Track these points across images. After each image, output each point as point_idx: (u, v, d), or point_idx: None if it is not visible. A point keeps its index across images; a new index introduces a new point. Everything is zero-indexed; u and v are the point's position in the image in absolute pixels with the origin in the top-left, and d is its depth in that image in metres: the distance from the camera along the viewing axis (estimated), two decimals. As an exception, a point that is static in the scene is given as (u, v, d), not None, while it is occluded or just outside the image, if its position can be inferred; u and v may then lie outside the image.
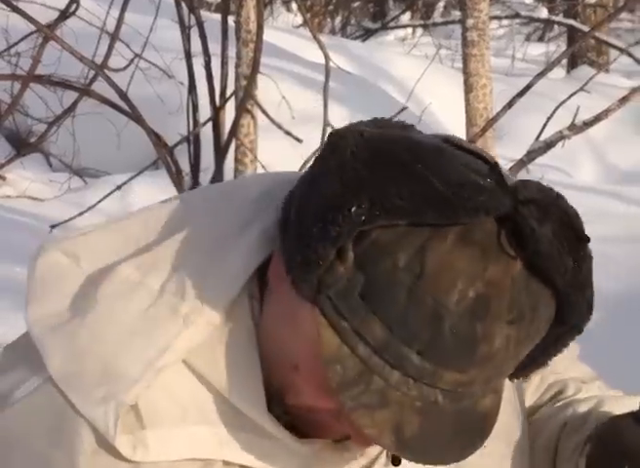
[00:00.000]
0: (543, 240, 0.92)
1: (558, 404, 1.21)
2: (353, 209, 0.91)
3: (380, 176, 0.92)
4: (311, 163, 0.98)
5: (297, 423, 1.01)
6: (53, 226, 4.95)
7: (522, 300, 0.93)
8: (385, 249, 0.91)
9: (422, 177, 0.92)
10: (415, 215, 0.90)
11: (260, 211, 1.02)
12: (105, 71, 4.63)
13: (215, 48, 4.72)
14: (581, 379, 1.25)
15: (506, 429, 1.13)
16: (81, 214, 4.97)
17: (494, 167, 0.95)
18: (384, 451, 1.05)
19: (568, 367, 1.26)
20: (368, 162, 0.93)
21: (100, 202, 5.05)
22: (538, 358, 0.99)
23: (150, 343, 0.97)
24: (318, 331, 0.93)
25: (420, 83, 6.38)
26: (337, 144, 0.95)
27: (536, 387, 1.24)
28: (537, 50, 12.24)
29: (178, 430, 0.97)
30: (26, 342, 1.01)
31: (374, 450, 1.05)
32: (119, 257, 1.01)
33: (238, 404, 0.98)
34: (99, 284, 1.00)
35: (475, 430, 0.96)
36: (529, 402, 1.22)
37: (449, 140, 0.98)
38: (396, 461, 1.04)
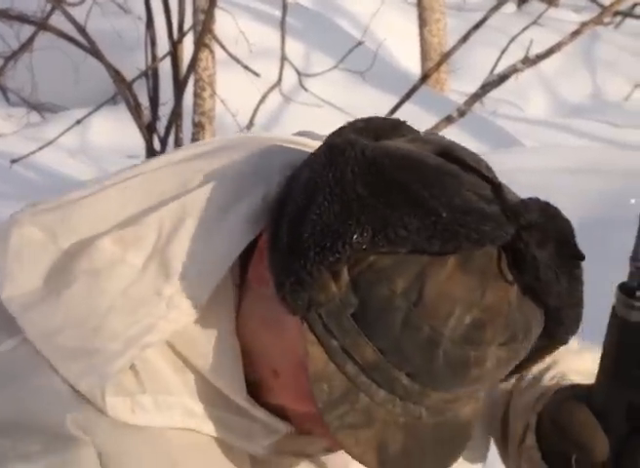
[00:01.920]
0: (542, 265, 0.91)
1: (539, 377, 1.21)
2: (355, 237, 0.88)
3: (382, 203, 0.90)
4: (306, 164, 0.94)
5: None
6: (13, 161, 4.97)
7: (516, 322, 0.92)
8: (382, 273, 0.90)
9: (427, 205, 0.89)
10: (418, 245, 0.89)
11: (245, 190, 0.98)
12: (63, 6, 4.63)
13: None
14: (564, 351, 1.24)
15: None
16: (41, 148, 5.00)
17: (497, 189, 0.93)
18: None
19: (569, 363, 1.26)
20: (370, 185, 0.90)
21: (59, 136, 5.07)
22: (519, 366, 0.98)
23: (133, 322, 0.94)
24: (305, 348, 0.92)
25: (375, 18, 6.43)
26: (336, 160, 0.91)
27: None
28: (488, -16, 12.24)
29: (174, 399, 0.96)
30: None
31: None
32: (98, 231, 0.97)
33: (218, 384, 0.97)
34: (76, 259, 0.96)
35: (456, 439, 0.96)
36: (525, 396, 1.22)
37: (449, 154, 0.95)
38: None
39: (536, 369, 1.17)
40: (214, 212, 0.97)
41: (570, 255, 0.94)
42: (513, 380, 1.21)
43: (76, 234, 0.97)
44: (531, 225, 0.91)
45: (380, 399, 0.92)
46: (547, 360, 1.18)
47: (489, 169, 0.96)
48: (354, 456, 0.93)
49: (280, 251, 0.92)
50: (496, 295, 0.91)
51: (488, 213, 0.90)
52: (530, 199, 0.94)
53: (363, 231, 0.88)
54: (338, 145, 0.92)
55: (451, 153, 0.95)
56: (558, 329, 0.96)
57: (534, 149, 5.74)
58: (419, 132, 0.99)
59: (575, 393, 1.09)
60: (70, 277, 0.95)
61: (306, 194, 0.92)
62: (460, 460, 1.06)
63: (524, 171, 4.94)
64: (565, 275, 0.94)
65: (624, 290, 1.04)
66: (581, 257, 0.95)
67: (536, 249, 0.91)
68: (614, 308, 1.05)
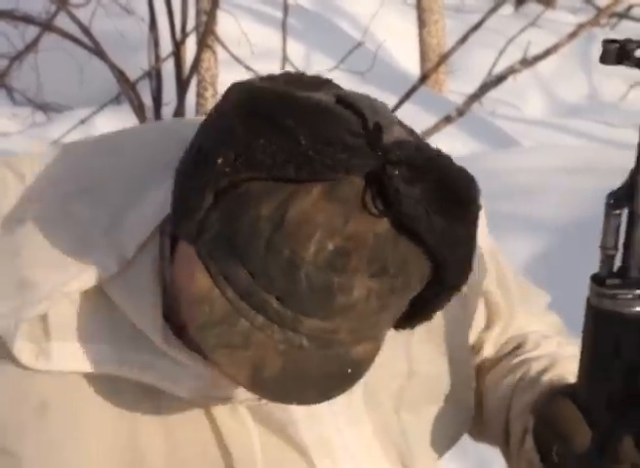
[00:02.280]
0: (408, 201, 0.93)
1: (515, 360, 1.25)
2: (219, 160, 0.94)
3: (249, 131, 0.94)
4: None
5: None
6: (18, 160, 5.01)
7: (386, 256, 0.94)
8: (251, 199, 0.94)
9: (289, 133, 0.93)
10: (275, 170, 0.93)
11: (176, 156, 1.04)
12: (67, 7, 4.68)
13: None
14: (543, 334, 1.28)
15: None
16: (45, 147, 5.03)
17: (375, 128, 0.94)
18: None
19: (531, 320, 1.29)
20: (244, 117, 0.95)
21: (63, 136, 5.11)
22: (420, 311, 1.00)
23: (64, 268, 1.02)
24: (193, 272, 0.96)
25: (374, 19, 6.47)
26: (226, 97, 0.98)
27: (496, 338, 1.26)
28: (486, -15, 12.28)
29: (81, 345, 1.02)
30: None
31: None
32: (57, 182, 1.06)
33: (142, 327, 1.02)
34: (34, 205, 1.05)
35: (345, 375, 0.98)
36: (488, 352, 1.26)
37: (343, 100, 0.97)
38: None
39: (534, 371, 1.20)
40: (150, 172, 1.05)
41: (449, 198, 0.95)
42: (498, 330, 1.24)
43: (41, 179, 1.06)
44: (400, 161, 0.93)
45: (258, 324, 0.95)
46: (544, 362, 1.22)
47: (387, 117, 0.97)
48: (228, 375, 0.96)
49: (175, 180, 0.99)
50: (359, 226, 0.93)
51: (350, 144, 0.93)
52: (409, 141, 0.95)
53: (227, 156, 0.94)
54: (233, 85, 0.98)
55: (346, 98, 0.96)
56: (444, 272, 0.97)
57: (531, 149, 5.78)
58: (343, 90, 1.00)
59: (562, 389, 1.11)
60: (24, 220, 1.03)
61: (198, 131, 0.99)
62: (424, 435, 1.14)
63: (522, 170, 4.98)
64: (441, 214, 0.94)
65: (596, 279, 1.05)
66: (465, 200, 0.96)
67: (402, 184, 0.93)
68: (588, 299, 1.06)
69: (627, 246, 1.05)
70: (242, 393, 1.04)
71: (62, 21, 4.71)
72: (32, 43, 5.13)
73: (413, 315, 1.01)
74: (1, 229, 1.04)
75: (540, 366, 1.21)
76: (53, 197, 1.05)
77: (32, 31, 5.19)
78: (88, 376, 1.03)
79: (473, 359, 1.24)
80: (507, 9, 8.82)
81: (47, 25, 4.81)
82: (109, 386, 1.04)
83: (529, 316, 1.29)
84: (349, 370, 0.98)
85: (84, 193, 1.05)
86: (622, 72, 7.87)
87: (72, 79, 6.05)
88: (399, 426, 1.15)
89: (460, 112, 4.45)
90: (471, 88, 4.89)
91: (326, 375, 0.97)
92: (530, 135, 6.45)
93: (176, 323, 1.02)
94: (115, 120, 5.60)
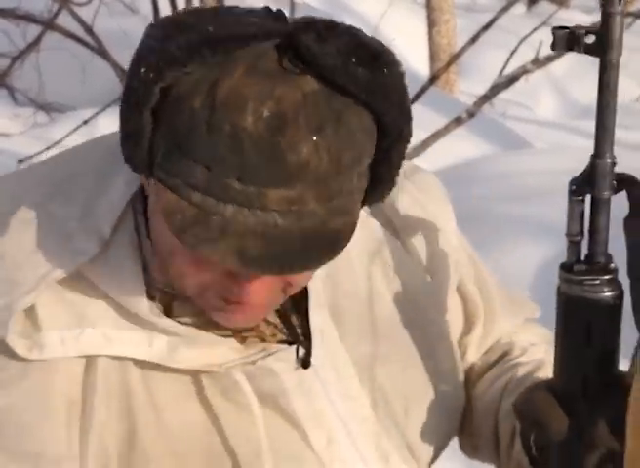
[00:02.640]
0: (325, 56, 1.01)
1: (502, 366, 1.27)
2: (142, 70, 1.02)
3: (164, 38, 1.02)
4: None
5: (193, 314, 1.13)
6: (20, 161, 4.96)
7: (322, 112, 1.01)
8: (183, 98, 1.02)
9: (199, 28, 1.02)
10: (192, 58, 1.01)
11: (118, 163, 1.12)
12: (70, 6, 4.62)
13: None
14: (531, 341, 1.30)
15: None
16: (48, 148, 4.98)
17: (279, 11, 1.05)
18: (295, 351, 1.15)
19: (517, 329, 1.33)
20: (163, 30, 1.04)
21: (66, 137, 5.05)
22: (382, 174, 1.07)
23: (46, 259, 1.09)
24: (158, 196, 1.05)
25: (384, 18, 6.41)
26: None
27: (478, 342, 1.29)
28: (498, -15, 12.22)
29: (70, 331, 1.09)
30: None
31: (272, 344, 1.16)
32: (31, 188, 1.14)
33: (124, 303, 1.10)
34: (13, 213, 1.12)
35: (325, 245, 1.04)
36: (473, 356, 1.29)
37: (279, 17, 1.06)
38: (307, 364, 1.15)
39: (521, 374, 1.23)
40: (115, 163, 1.11)
41: (367, 53, 1.03)
42: (480, 331, 1.28)
43: (13, 194, 1.14)
44: (306, 25, 1.03)
45: (229, 214, 1.01)
46: (531, 366, 1.25)
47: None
48: (217, 261, 1.03)
49: (121, 127, 1.06)
50: (287, 88, 1.01)
51: (256, 21, 1.03)
52: (313, 16, 1.05)
53: (148, 64, 1.02)
54: None
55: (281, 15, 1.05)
56: (385, 121, 1.04)
57: (543, 151, 5.71)
58: None
59: (540, 382, 1.13)
60: (5, 226, 1.11)
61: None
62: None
63: (534, 172, 4.91)
64: (362, 66, 1.02)
65: (564, 266, 1.08)
66: (382, 53, 1.04)
67: (314, 43, 1.01)
68: (558, 287, 1.08)
69: (592, 232, 1.07)
70: (233, 354, 1.12)
71: (65, 20, 4.66)
72: (34, 42, 5.08)
73: (377, 184, 1.07)
74: None
75: (527, 369, 1.25)
76: (29, 201, 1.13)
77: (34, 30, 5.14)
78: (81, 360, 1.10)
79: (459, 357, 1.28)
80: (519, 8, 8.74)
81: (49, 24, 4.76)
82: (104, 366, 1.10)
83: (514, 324, 1.33)
84: (329, 241, 1.04)
85: (57, 194, 1.13)
86: (637, 73, 7.79)
87: (75, 79, 6.00)
88: (399, 401, 1.19)
89: (471, 113, 4.36)
90: (482, 88, 4.81)
91: (308, 247, 1.03)
92: (542, 136, 6.38)
93: (165, 287, 1.11)
94: (118, 120, 5.53)
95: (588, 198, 1.09)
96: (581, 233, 1.08)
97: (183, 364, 1.11)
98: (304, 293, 1.16)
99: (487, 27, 4.24)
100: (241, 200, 1.01)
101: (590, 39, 1.07)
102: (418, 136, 4.03)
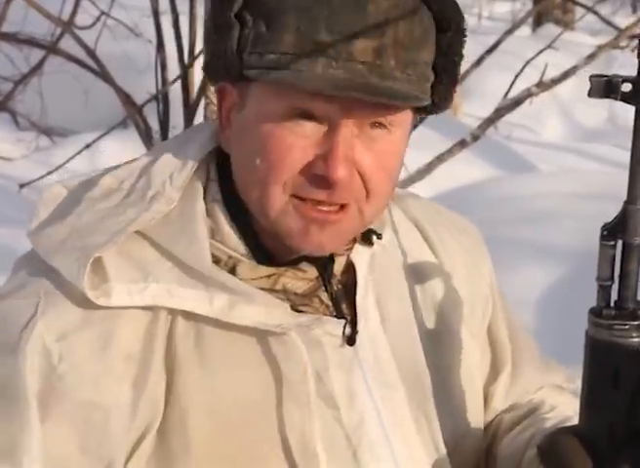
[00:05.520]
0: None
1: (530, 421, 1.31)
2: None
3: None
4: None
5: (265, 241, 1.22)
6: (22, 185, 4.94)
7: None
8: None
9: None
10: None
11: (207, 127, 1.28)
12: (72, 29, 4.60)
13: (183, 5, 4.70)
14: (560, 402, 1.35)
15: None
16: (50, 172, 4.96)
17: None
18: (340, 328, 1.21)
19: (550, 390, 1.38)
20: None
21: (68, 161, 5.03)
22: (446, 68, 1.19)
23: (120, 220, 1.19)
24: (249, 97, 1.18)
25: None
26: None
27: (505, 389, 1.34)
28: (503, 8, 12.26)
29: (138, 285, 1.16)
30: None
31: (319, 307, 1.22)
32: (101, 173, 1.25)
33: (188, 261, 1.17)
34: (81, 192, 1.23)
35: (405, 105, 1.17)
36: (500, 404, 1.34)
37: None
38: (352, 342, 1.20)
39: (548, 425, 1.25)
40: (175, 146, 1.26)
41: None
42: (506, 381, 1.33)
43: (84, 176, 1.26)
44: None
45: (321, 68, 1.12)
46: (559, 419, 1.27)
47: None
48: (315, 89, 1.13)
49: (207, 57, 1.20)
50: None
51: None
52: None
53: None
54: None
55: None
56: (445, 15, 1.17)
57: (549, 174, 5.69)
58: None
59: (565, 427, 1.14)
60: (76, 203, 1.21)
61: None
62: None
63: (539, 196, 4.89)
64: None
65: (593, 311, 1.09)
66: None
67: None
68: (586, 331, 1.09)
69: (622, 277, 1.08)
70: (291, 318, 1.18)
71: (67, 44, 4.63)
72: (37, 66, 5.07)
73: (444, 80, 1.19)
74: (52, 218, 1.22)
75: (554, 422, 1.26)
76: (100, 182, 1.24)
77: (37, 54, 5.12)
78: (146, 312, 1.17)
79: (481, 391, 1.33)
80: (525, 30, 8.75)
81: (52, 48, 4.74)
82: (168, 321, 1.17)
83: (542, 380, 1.36)
84: (395, 99, 1.15)
85: (128, 176, 1.24)
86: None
87: (77, 103, 6.00)
88: (431, 400, 1.24)
89: (476, 136, 4.33)
90: (487, 111, 4.77)
91: (392, 99, 1.14)
92: (547, 159, 6.35)
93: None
94: (121, 144, 5.53)
95: (619, 244, 1.10)
96: (612, 278, 1.09)
97: (242, 321, 1.16)
98: (354, 283, 1.24)
99: (491, 50, 4.21)
100: (330, 52, 1.12)
101: (627, 87, 1.09)
102: (421, 159, 4.01)
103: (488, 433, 1.34)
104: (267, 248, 1.22)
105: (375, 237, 1.27)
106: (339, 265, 1.25)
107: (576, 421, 1.16)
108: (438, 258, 1.32)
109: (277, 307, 1.19)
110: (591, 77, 1.10)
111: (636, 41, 1.10)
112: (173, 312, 1.17)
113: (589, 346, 1.08)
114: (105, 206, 1.21)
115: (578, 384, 1.28)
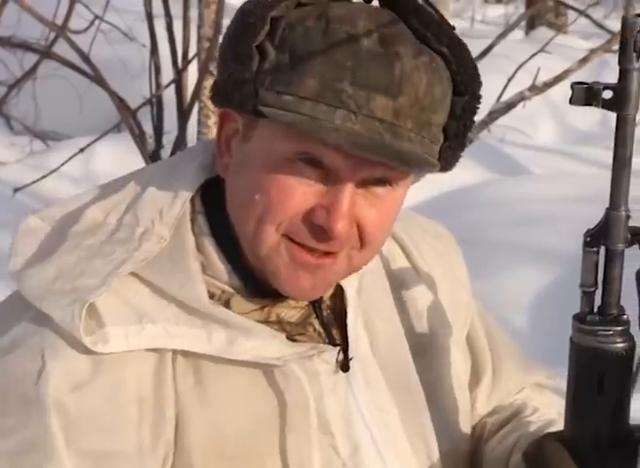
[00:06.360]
0: (419, 9, 1.15)
1: (514, 424, 1.31)
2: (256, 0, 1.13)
3: None
4: None
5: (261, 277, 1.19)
6: (16, 189, 4.94)
7: (420, 47, 1.14)
8: (294, 23, 1.13)
9: None
10: None
11: (196, 157, 1.24)
12: (66, 33, 4.60)
13: (176, 9, 4.71)
14: (543, 403, 1.35)
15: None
16: (44, 177, 4.96)
17: None
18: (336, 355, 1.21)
19: (531, 390, 1.39)
20: None
21: (62, 165, 5.04)
22: (457, 133, 1.17)
23: (111, 259, 1.15)
24: (256, 131, 1.15)
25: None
26: None
27: (486, 393, 1.35)
28: (495, 11, 12.28)
29: (134, 327, 1.14)
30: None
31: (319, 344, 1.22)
32: (85, 203, 1.21)
33: (183, 298, 1.16)
34: (67, 226, 1.18)
35: (415, 167, 1.16)
36: (482, 408, 1.35)
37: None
38: (345, 368, 1.20)
39: (533, 429, 1.26)
40: (172, 171, 1.22)
41: (448, 26, 1.17)
42: (488, 382, 1.33)
43: (67, 209, 1.21)
44: None
45: (339, 119, 1.10)
46: (543, 423, 1.28)
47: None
48: (332, 142, 1.11)
49: (217, 80, 1.17)
50: (389, 18, 1.14)
51: None
52: None
53: None
54: None
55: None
56: (462, 78, 1.16)
57: (542, 177, 5.69)
58: None
59: (551, 433, 1.14)
60: (61, 239, 1.17)
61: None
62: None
63: (532, 199, 4.89)
64: (449, 28, 1.16)
65: (577, 317, 1.09)
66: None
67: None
68: (571, 338, 1.09)
69: (606, 283, 1.09)
70: (288, 348, 1.17)
71: (61, 48, 4.63)
72: (31, 70, 5.07)
73: (453, 145, 1.18)
74: (39, 255, 1.17)
75: (538, 426, 1.26)
76: (85, 214, 1.19)
77: (31, 58, 5.12)
78: (150, 354, 1.15)
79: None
80: (517, 34, 8.76)
81: (46, 52, 4.75)
82: (172, 360, 1.15)
83: (524, 380, 1.37)
84: (419, 167, 1.16)
85: (114, 209, 1.20)
86: (635, 98, 7.79)
87: (71, 107, 6.00)
88: (424, 417, 1.25)
89: (469, 139, 4.35)
90: (481, 114, 4.78)
91: (403, 162, 1.13)
92: (540, 162, 6.36)
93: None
94: (115, 149, 5.53)
95: (602, 250, 1.10)
96: (595, 284, 1.09)
97: (242, 356, 1.15)
98: (343, 308, 1.24)
99: (485, 53, 4.23)
100: (351, 104, 1.10)
101: (608, 94, 1.09)
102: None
103: (472, 438, 1.34)
104: (257, 279, 1.20)
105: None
106: (327, 292, 1.24)
107: (559, 424, 1.17)
108: (416, 268, 1.32)
109: (274, 339, 1.18)
110: (572, 84, 1.10)
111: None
112: (174, 352, 1.16)
113: (574, 352, 1.09)
114: (92, 242, 1.17)
115: (558, 382, 1.29)
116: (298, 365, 1.17)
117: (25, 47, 4.81)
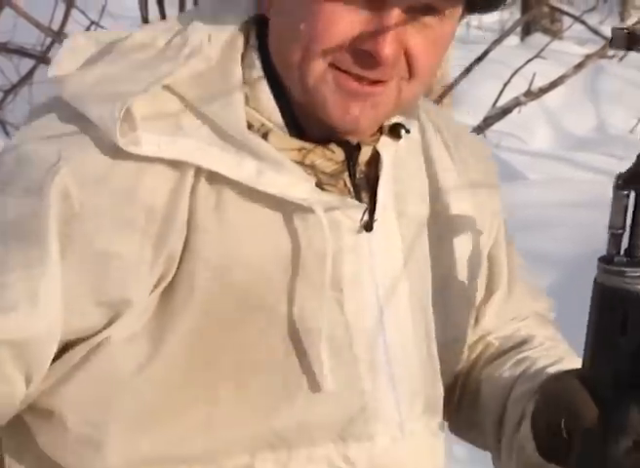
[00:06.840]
0: None
1: (519, 355, 1.31)
2: None
3: None
4: None
5: (302, 113, 1.19)
6: (11, 195, 4.92)
7: None
8: None
9: None
10: None
11: None
12: (62, 39, 4.60)
13: (172, 14, 4.71)
14: (550, 337, 1.35)
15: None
16: (39, 182, 4.94)
17: None
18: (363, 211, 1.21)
19: (537, 321, 1.38)
20: None
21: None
22: None
23: (155, 72, 1.16)
24: None
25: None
26: None
27: (496, 309, 1.35)
28: (491, 17, 12.29)
29: (166, 138, 1.14)
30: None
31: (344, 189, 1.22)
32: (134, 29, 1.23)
33: (221, 122, 1.15)
34: (114, 43, 1.20)
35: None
36: (491, 323, 1.35)
37: None
38: (369, 228, 1.20)
39: (540, 365, 1.25)
40: (214, 7, 1.23)
41: None
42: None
43: (115, 35, 1.22)
44: None
45: None
46: (551, 359, 1.27)
47: None
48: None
49: None
50: None
51: None
52: None
53: None
54: None
55: None
56: None
57: (538, 182, 5.69)
58: None
59: (569, 370, 1.14)
60: (105, 53, 1.18)
61: None
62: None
63: (528, 204, 4.90)
64: None
65: (604, 258, 1.09)
66: None
67: None
68: (595, 279, 1.09)
69: (634, 226, 1.09)
70: (317, 194, 1.17)
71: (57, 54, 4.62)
72: (26, 76, 5.06)
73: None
74: (84, 65, 1.18)
75: (547, 361, 1.26)
76: (133, 37, 1.21)
77: (27, 64, 5.11)
78: (174, 168, 1.14)
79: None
80: (513, 39, 8.77)
81: (41, 58, 4.74)
82: (195, 179, 1.14)
83: (531, 309, 1.37)
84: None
85: (164, 33, 1.20)
86: (631, 104, 7.80)
87: (67, 112, 5.97)
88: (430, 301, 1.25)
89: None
90: (476, 120, 4.80)
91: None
92: (536, 168, 6.37)
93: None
94: (111, 154, 5.50)
95: (632, 194, 1.10)
96: (623, 227, 1.09)
97: (268, 188, 1.15)
98: (376, 176, 1.24)
99: (480, 59, 4.24)
100: None
101: None
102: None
103: (472, 353, 1.34)
104: (300, 123, 1.20)
105: (403, 131, 1.26)
106: (364, 155, 1.24)
107: (568, 363, 1.19)
108: (455, 167, 1.32)
109: (304, 181, 1.18)
110: (613, 29, 1.09)
111: (623, 52, 1.10)
112: (198, 172, 1.15)
113: (599, 293, 1.08)
114: (139, 57, 1.18)
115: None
116: (322, 212, 1.17)
117: (21, 52, 4.81)
